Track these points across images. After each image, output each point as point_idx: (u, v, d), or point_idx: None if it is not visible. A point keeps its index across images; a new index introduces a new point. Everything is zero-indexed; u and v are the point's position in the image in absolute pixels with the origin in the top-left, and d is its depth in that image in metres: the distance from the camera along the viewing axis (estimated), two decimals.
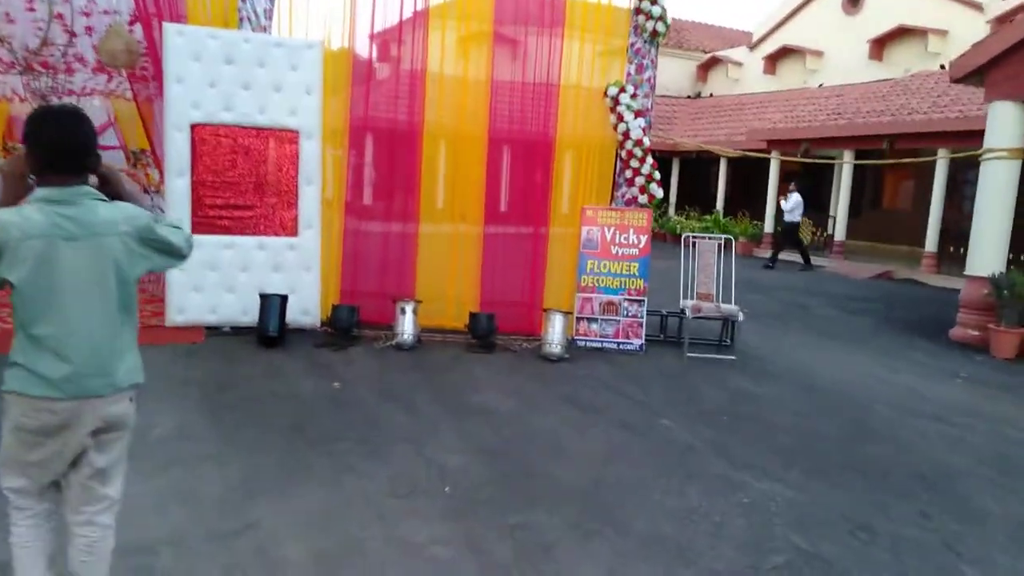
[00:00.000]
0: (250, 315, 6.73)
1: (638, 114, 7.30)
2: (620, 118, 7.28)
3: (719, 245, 7.64)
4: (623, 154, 7.37)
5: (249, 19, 6.92)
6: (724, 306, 7.34)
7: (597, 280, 7.44)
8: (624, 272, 7.42)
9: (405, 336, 6.83)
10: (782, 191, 19.67)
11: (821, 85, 22.54)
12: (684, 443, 4.86)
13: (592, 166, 7.57)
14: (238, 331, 6.79)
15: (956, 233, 15.52)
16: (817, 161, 15.07)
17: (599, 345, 7.39)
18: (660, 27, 7.27)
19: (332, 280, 7.38)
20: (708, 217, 20.40)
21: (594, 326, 7.44)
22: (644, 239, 7.42)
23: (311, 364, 6.19)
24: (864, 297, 12.27)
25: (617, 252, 7.42)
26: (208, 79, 6.57)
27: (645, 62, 7.43)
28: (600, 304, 7.43)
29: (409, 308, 6.87)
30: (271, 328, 6.56)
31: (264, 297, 6.62)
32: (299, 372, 5.92)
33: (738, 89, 25.35)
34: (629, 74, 7.42)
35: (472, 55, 7.37)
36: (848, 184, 16.74)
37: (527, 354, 6.99)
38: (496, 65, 7.33)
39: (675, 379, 6.49)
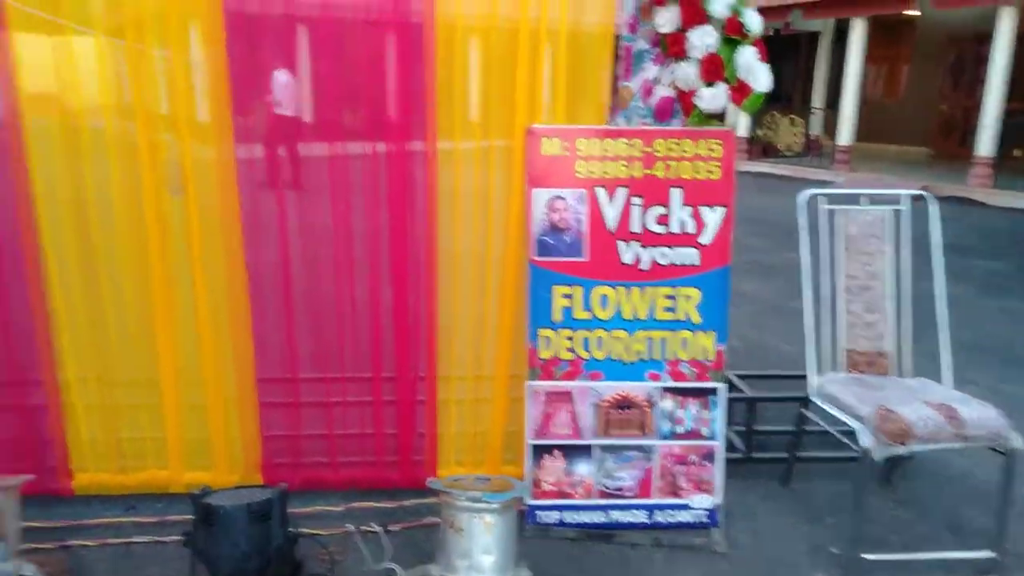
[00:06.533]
0: None
1: None
2: None
3: (892, 217, 2.90)
4: None
5: None
6: (969, 411, 2.54)
7: (582, 343, 2.63)
8: (663, 315, 2.62)
9: None
10: None
11: None
12: None
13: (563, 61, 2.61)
14: None
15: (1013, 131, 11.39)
16: None
17: (602, 517, 2.65)
18: None
19: None
20: None
21: (581, 467, 2.67)
22: (717, 217, 2.60)
23: None
24: (965, 246, 7.75)
25: (638, 259, 2.61)
26: None
27: None
28: (597, 409, 2.65)
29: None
30: None
31: None
32: None
33: None
34: None
35: None
36: (859, 67, 12.16)
37: None
38: None
39: None
